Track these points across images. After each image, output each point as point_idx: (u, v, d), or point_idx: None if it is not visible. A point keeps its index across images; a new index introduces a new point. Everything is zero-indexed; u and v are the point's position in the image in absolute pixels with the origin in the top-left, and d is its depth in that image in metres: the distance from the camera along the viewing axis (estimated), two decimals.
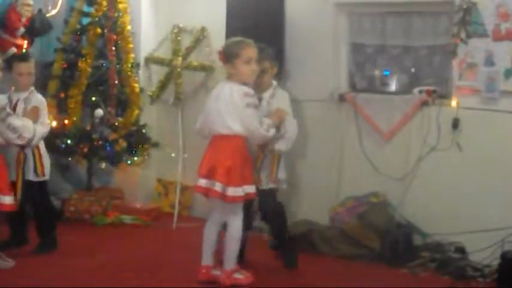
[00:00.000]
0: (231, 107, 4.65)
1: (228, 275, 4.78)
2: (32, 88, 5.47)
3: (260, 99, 5.00)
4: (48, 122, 5.48)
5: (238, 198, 4.67)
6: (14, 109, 5.33)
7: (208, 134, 4.86)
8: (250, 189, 4.75)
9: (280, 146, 5.11)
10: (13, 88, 5.47)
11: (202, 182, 4.72)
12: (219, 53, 4.84)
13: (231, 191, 4.61)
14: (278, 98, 5.24)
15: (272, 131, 4.79)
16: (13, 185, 5.29)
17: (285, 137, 5.08)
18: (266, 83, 5.25)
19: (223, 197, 4.63)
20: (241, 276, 4.83)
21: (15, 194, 5.29)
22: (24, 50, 6.41)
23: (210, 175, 4.66)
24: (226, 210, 4.79)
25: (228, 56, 4.73)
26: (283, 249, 5.43)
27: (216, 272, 4.88)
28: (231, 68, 4.74)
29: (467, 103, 5.61)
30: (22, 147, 5.25)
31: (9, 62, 5.51)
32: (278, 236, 5.49)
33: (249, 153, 4.81)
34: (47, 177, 5.52)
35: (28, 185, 5.36)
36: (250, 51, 4.72)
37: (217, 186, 4.62)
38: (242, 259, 5.27)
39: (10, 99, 5.40)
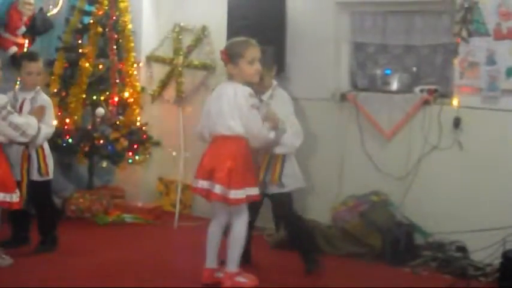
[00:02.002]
0: (234, 108, 4.56)
1: (230, 277, 4.70)
2: (39, 88, 5.48)
3: (260, 101, 4.92)
4: (53, 123, 5.46)
5: (240, 201, 4.58)
6: (20, 108, 5.33)
7: (209, 136, 4.77)
8: (253, 191, 4.64)
9: (280, 150, 4.97)
10: (17, 86, 5.47)
11: (202, 184, 4.66)
12: (221, 52, 4.74)
13: (233, 194, 4.52)
14: (277, 99, 5.10)
15: (272, 133, 4.70)
16: (18, 184, 5.31)
17: (283, 141, 4.91)
18: (267, 85, 5.10)
19: (224, 199, 4.55)
20: (244, 280, 4.75)
21: (20, 194, 5.30)
22: (27, 49, 6.41)
23: (209, 177, 4.59)
24: (230, 212, 4.72)
25: (231, 56, 4.65)
26: (303, 256, 5.22)
27: (219, 275, 4.83)
28: (233, 68, 4.65)
29: (468, 102, 5.61)
30: (26, 147, 5.26)
31: (18, 61, 5.51)
32: (295, 244, 5.32)
33: (250, 154, 4.69)
34: (50, 177, 5.53)
35: (32, 184, 5.37)
36: (254, 51, 4.65)
37: (217, 189, 4.53)
38: (249, 260, 5.26)
39: (16, 98, 5.40)
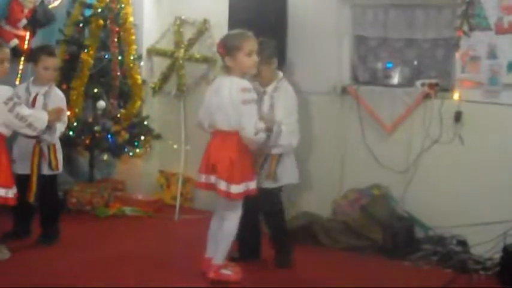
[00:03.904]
0: (229, 102, 4.55)
1: (215, 270, 4.74)
2: (52, 83, 5.47)
3: (262, 94, 4.98)
4: (66, 120, 5.44)
5: (239, 195, 4.61)
6: (33, 102, 5.33)
7: (208, 127, 4.80)
8: (251, 185, 4.67)
9: (276, 150, 4.98)
10: (31, 79, 5.47)
11: (204, 178, 4.71)
12: (218, 46, 4.73)
13: (233, 189, 4.56)
14: (280, 92, 5.08)
15: (261, 136, 4.59)
16: (28, 178, 5.30)
17: (279, 143, 4.90)
18: (267, 77, 5.10)
19: (227, 194, 4.57)
20: (229, 272, 4.80)
21: (30, 188, 5.28)
22: (26, 42, 6.40)
23: (212, 172, 4.62)
24: (225, 205, 4.73)
25: (229, 48, 4.61)
26: (278, 249, 5.27)
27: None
28: (231, 60, 4.61)
29: (469, 96, 5.61)
30: (38, 142, 5.26)
31: (35, 54, 5.50)
32: (273, 236, 5.30)
33: (249, 149, 4.68)
34: (60, 171, 5.55)
35: (41, 178, 5.37)
36: (252, 43, 4.61)
37: (222, 185, 4.56)
38: (258, 255, 5.30)
39: (28, 92, 5.39)
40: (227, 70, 4.68)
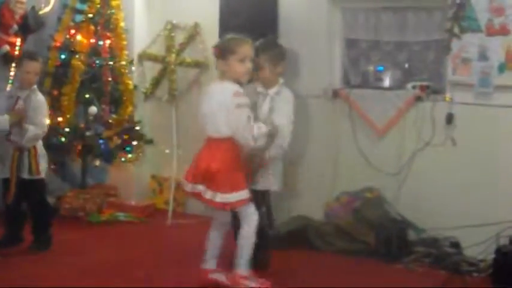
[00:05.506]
0: (223, 108, 4.45)
1: (237, 280, 4.59)
2: (35, 87, 5.47)
3: (264, 95, 5.03)
4: (45, 123, 5.43)
5: (226, 205, 4.49)
6: (14, 105, 5.34)
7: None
8: (242, 194, 4.50)
9: (272, 153, 4.94)
10: (16, 85, 5.49)
11: (192, 187, 4.60)
12: (214, 48, 4.69)
13: (219, 198, 4.43)
14: (283, 97, 5.13)
15: (261, 141, 4.52)
16: (8, 182, 5.32)
17: (276, 144, 4.87)
18: (268, 79, 5.13)
19: (212, 203, 4.49)
20: (254, 285, 4.61)
21: (9, 192, 5.31)
22: (20, 48, 6.39)
23: (199, 180, 4.52)
24: (225, 215, 4.68)
25: (223, 51, 4.56)
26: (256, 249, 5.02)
27: (217, 276, 4.79)
28: (224, 64, 4.55)
29: (461, 98, 5.62)
30: (17, 147, 5.27)
31: (19, 59, 5.54)
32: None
33: (239, 156, 4.57)
34: (42, 176, 5.51)
35: (23, 183, 5.36)
36: (247, 49, 4.56)
37: (208, 194, 4.47)
38: (267, 267, 5.12)
39: (11, 96, 5.43)
40: (221, 75, 4.63)
